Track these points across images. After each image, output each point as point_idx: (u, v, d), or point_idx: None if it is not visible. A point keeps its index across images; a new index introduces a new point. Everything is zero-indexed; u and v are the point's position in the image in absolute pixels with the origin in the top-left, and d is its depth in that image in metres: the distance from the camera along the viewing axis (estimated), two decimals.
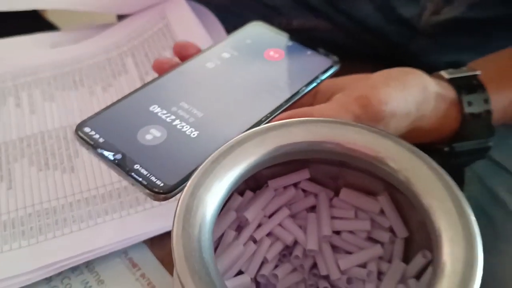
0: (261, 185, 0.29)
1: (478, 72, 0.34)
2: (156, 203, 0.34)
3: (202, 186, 0.22)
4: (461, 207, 0.21)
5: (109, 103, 0.33)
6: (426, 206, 0.21)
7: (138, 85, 0.41)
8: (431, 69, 0.35)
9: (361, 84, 0.31)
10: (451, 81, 0.34)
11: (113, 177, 0.36)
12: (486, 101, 0.33)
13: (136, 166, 0.27)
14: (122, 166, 0.27)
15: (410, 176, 0.22)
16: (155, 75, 0.39)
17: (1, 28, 0.50)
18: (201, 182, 0.22)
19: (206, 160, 0.23)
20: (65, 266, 0.31)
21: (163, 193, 0.26)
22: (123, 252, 0.33)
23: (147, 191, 0.26)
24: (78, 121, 0.38)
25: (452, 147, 0.35)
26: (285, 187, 0.28)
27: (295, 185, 0.29)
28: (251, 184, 0.28)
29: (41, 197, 0.35)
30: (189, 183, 0.22)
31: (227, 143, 0.24)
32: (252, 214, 0.27)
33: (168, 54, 0.43)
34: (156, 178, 0.26)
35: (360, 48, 0.60)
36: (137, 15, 0.46)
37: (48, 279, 0.32)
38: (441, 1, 0.55)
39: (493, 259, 0.38)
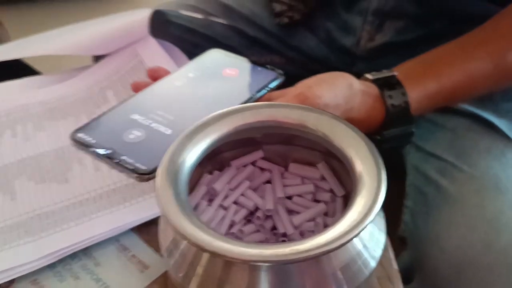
0: (225, 166, 0.36)
1: (395, 73, 0.43)
2: (139, 199, 0.40)
3: (181, 148, 0.29)
4: (367, 145, 0.28)
5: None
6: (344, 151, 0.29)
7: None
8: None
9: (299, 85, 0.39)
10: (374, 81, 0.42)
11: (102, 182, 0.42)
12: (404, 94, 0.41)
13: (123, 157, 0.34)
14: (112, 158, 0.34)
15: (330, 133, 0.30)
16: None
17: None
18: (180, 146, 0.29)
19: (182, 134, 0.30)
20: (65, 253, 0.37)
21: (146, 174, 0.33)
22: (116, 240, 0.39)
23: (134, 174, 0.33)
24: (68, 143, 0.45)
25: (382, 134, 0.43)
26: (244, 166, 0.36)
27: (253, 164, 0.36)
28: (217, 166, 0.36)
29: (40, 204, 0.41)
30: (171, 146, 0.29)
31: (196, 123, 0.31)
32: (220, 186, 0.34)
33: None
34: (140, 164, 0.33)
35: (310, 76, 0.70)
36: (113, 56, 0.54)
37: (52, 266, 0.37)
38: (374, 30, 0.66)
39: (424, 223, 0.46)
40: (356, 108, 0.41)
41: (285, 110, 0.32)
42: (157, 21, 0.62)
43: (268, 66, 0.44)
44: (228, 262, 0.26)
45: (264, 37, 0.73)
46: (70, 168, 0.44)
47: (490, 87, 0.48)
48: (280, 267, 0.25)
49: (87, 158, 0.45)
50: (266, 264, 0.25)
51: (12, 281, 0.36)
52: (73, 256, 0.38)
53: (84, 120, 0.48)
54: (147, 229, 0.39)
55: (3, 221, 0.39)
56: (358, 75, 0.72)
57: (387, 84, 0.43)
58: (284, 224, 0.34)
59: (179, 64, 0.51)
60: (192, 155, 0.29)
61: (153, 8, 0.58)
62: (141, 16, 0.53)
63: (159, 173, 0.27)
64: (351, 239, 0.24)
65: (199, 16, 0.68)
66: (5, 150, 0.46)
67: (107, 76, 0.53)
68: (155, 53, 0.52)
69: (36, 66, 0.74)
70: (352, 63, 0.69)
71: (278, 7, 0.73)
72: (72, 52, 0.54)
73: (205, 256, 0.26)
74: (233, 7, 0.73)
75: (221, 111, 0.32)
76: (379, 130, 0.43)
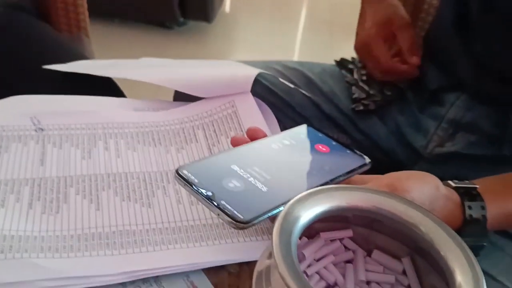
0: (313, 235, 0.37)
1: (477, 186, 0.45)
2: (215, 241, 0.42)
3: (291, 214, 0.31)
4: (468, 255, 0.30)
5: (181, 162, 0.44)
6: (445, 258, 0.30)
7: (206, 153, 0.52)
8: None
9: (388, 176, 0.41)
10: (456, 189, 0.44)
11: (183, 216, 0.44)
12: (483, 208, 0.43)
13: (222, 202, 0.36)
14: (213, 200, 0.36)
15: (434, 238, 0.32)
16: (221, 147, 0.51)
17: (81, 87, 0.61)
18: (289, 212, 0.31)
19: (290, 203, 0.32)
20: (140, 276, 0.38)
21: (243, 223, 0.35)
22: (186, 276, 0.40)
23: (231, 220, 0.35)
24: (156, 170, 0.48)
25: None
26: (332, 240, 0.37)
27: (340, 240, 0.37)
28: (306, 233, 0.37)
29: (123, 221, 0.43)
30: (283, 211, 0.31)
31: (304, 193, 0.33)
32: (308, 253, 0.35)
33: (233, 134, 0.53)
34: (238, 212, 0.35)
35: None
36: (209, 99, 0.58)
37: (123, 285, 0.38)
38: (446, 137, 0.68)
39: None
40: (437, 211, 0.42)
41: (391, 201, 0.34)
42: None
43: (357, 151, 0.46)
44: None
45: (337, 115, 0.76)
46: (154, 194, 0.46)
47: None
48: None
49: (171, 189, 0.47)
50: None
51: None
52: (145, 280, 0.39)
53: (173, 153, 0.51)
54: (216, 273, 0.41)
55: (87, 227, 0.41)
56: None
57: (468, 195, 0.44)
58: None
59: (271, 127, 0.54)
60: (302, 219, 0.31)
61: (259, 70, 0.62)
62: (249, 72, 0.57)
63: (275, 235, 0.29)
64: None
65: (285, 82, 0.71)
66: (97, 161, 0.49)
67: (200, 116, 0.56)
68: (251, 110, 0.55)
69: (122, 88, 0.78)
70: (415, 161, 0.71)
71: (357, 93, 0.76)
72: (174, 86, 0.58)
73: None
74: (315, 81, 0.77)
75: (330, 186, 0.34)
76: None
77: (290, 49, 2.50)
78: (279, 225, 0.30)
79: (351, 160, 0.45)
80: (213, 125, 0.55)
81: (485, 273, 0.51)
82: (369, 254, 0.37)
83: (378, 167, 0.73)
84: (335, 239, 0.37)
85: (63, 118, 0.53)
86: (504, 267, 0.50)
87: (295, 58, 2.36)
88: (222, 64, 0.76)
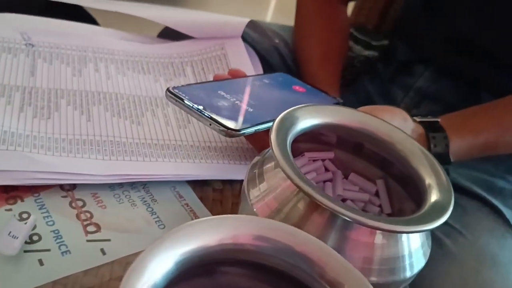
0: (297, 154, 0.40)
1: (438, 119, 0.49)
2: (201, 160, 0.44)
3: (287, 118, 0.34)
4: (436, 167, 0.34)
5: None
6: (417, 169, 0.34)
7: None
8: None
9: (363, 108, 0.45)
10: (421, 123, 0.48)
11: (171, 136, 0.46)
12: (445, 137, 0.48)
13: (213, 114, 0.38)
14: (204, 112, 0.38)
15: (408, 154, 0.35)
16: None
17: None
18: (284, 119, 0.34)
19: (286, 112, 0.35)
20: (129, 179, 0.40)
21: (234, 130, 0.37)
22: (173, 186, 0.42)
23: (223, 128, 0.37)
24: (145, 94, 0.50)
25: None
26: (314, 160, 0.40)
27: (322, 160, 0.40)
28: (292, 152, 0.40)
29: (113, 133, 0.44)
30: (281, 115, 0.34)
31: (300, 105, 0.36)
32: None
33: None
34: (229, 122, 0.38)
35: None
36: (199, 40, 0.59)
37: (112, 188, 0.40)
38: (411, 105, 0.73)
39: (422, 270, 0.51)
40: None
41: (376, 122, 0.37)
42: None
43: (330, 94, 0.50)
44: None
45: None
46: (143, 115, 0.48)
47: None
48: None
49: (160, 112, 0.48)
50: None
51: (74, 187, 0.39)
52: (133, 186, 0.41)
53: (162, 82, 0.53)
54: (201, 188, 0.43)
55: (78, 134, 0.43)
56: None
57: (432, 127, 0.49)
58: None
59: (256, 70, 0.57)
60: (297, 126, 0.34)
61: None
62: (240, 20, 0.59)
63: (273, 133, 0.32)
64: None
65: (276, 41, 0.74)
66: (87, 79, 0.50)
67: (190, 54, 0.58)
68: (239, 53, 0.57)
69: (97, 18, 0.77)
70: None
71: None
72: (169, 24, 0.59)
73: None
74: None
75: (320, 106, 0.38)
76: None
77: (263, 15, 2.52)
78: (277, 124, 0.32)
79: (325, 99, 0.50)
80: (201, 63, 0.57)
81: (448, 224, 0.56)
82: (347, 177, 0.41)
83: None
84: (318, 159, 0.40)
85: (53, 37, 0.53)
86: (456, 216, 0.55)
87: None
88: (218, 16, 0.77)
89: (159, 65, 0.56)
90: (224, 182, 0.44)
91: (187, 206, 0.41)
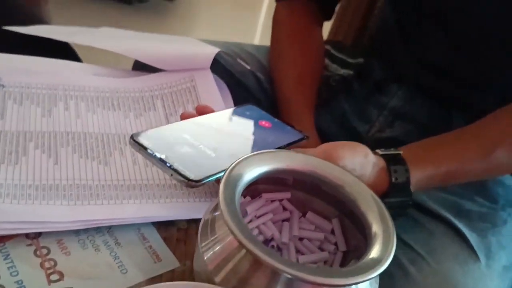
0: (256, 196, 0.42)
1: (401, 152, 0.51)
2: (166, 199, 0.45)
3: (236, 171, 0.35)
4: (383, 212, 0.35)
5: (139, 129, 0.48)
6: (365, 214, 0.35)
7: (164, 122, 0.55)
8: None
9: (324, 145, 0.46)
10: (383, 156, 0.50)
11: (138, 175, 0.47)
12: (407, 171, 0.49)
13: (175, 163, 0.40)
14: (166, 162, 0.40)
15: (358, 197, 0.37)
16: (178, 118, 0.54)
17: (39, 51, 0.62)
18: (234, 170, 0.35)
19: (235, 162, 0.36)
20: (94, 225, 0.41)
21: (194, 181, 0.38)
22: (137, 228, 0.43)
23: (183, 179, 0.38)
24: (114, 132, 0.51)
25: (384, 201, 0.50)
26: (272, 201, 0.41)
27: (279, 201, 0.42)
28: (250, 193, 0.41)
29: (80, 175, 0.45)
30: (229, 167, 0.35)
31: (249, 154, 0.37)
32: (250, 210, 0.39)
33: (190, 107, 0.57)
34: (189, 173, 0.39)
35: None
36: (169, 72, 0.60)
37: (77, 233, 0.41)
38: (386, 124, 0.74)
39: None
40: (366, 176, 0.48)
41: (326, 167, 0.38)
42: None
43: (295, 128, 0.51)
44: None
45: None
46: (111, 154, 0.49)
47: (479, 175, 0.56)
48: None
49: (128, 151, 0.50)
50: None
51: (39, 235, 0.40)
52: (98, 230, 0.42)
53: (131, 118, 0.54)
54: (166, 228, 0.44)
55: (45, 179, 0.44)
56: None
57: (393, 160, 0.50)
58: (291, 259, 0.39)
59: (226, 104, 0.58)
60: (246, 176, 0.35)
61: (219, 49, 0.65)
62: (209, 50, 0.60)
63: (222, 185, 0.33)
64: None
65: (247, 67, 0.75)
66: (57, 119, 0.51)
67: (160, 87, 0.59)
68: (209, 86, 0.58)
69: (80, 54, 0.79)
70: None
71: None
72: (136, 57, 0.61)
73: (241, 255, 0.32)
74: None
75: (272, 150, 0.39)
76: (381, 198, 0.50)
77: (251, 32, 2.53)
78: (225, 179, 0.34)
79: (291, 134, 0.51)
80: (171, 96, 0.58)
81: (406, 244, 0.58)
82: (304, 215, 0.42)
83: None
84: (275, 200, 0.42)
85: (24, 76, 0.55)
86: (422, 240, 0.57)
87: (256, 42, 2.39)
88: (183, 40, 0.78)
89: (130, 99, 0.57)
90: (189, 220, 0.45)
91: (150, 248, 0.42)
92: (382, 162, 0.49)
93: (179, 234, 0.44)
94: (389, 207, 0.50)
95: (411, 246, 0.56)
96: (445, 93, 0.69)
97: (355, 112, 0.78)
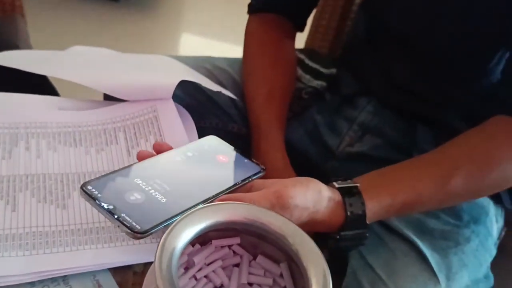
0: (206, 242, 0.42)
1: (357, 184, 0.51)
2: (123, 242, 0.46)
3: (172, 236, 0.36)
4: (323, 267, 0.36)
5: (99, 165, 0.48)
6: (306, 267, 0.36)
7: (125, 156, 0.55)
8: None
9: (276, 183, 0.47)
10: (339, 189, 0.50)
11: (94, 217, 0.48)
12: (362, 204, 0.50)
13: (123, 215, 0.40)
14: (113, 213, 0.40)
15: (300, 248, 0.37)
16: (139, 149, 0.54)
17: (13, 83, 0.63)
18: (172, 233, 0.36)
19: (175, 223, 0.37)
20: (49, 275, 0.42)
21: (140, 233, 0.39)
22: (93, 275, 0.44)
23: (129, 231, 0.39)
24: (74, 171, 0.51)
25: (340, 234, 0.50)
26: (222, 247, 0.42)
27: (229, 246, 0.42)
28: (200, 240, 0.42)
29: (37, 222, 0.46)
30: (164, 235, 0.36)
31: (186, 214, 0.38)
32: (198, 259, 0.40)
33: (152, 138, 0.57)
34: (136, 224, 0.40)
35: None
36: (132, 103, 0.61)
37: (32, 284, 0.42)
38: (355, 138, 0.75)
39: None
40: (321, 212, 0.48)
41: (269, 216, 0.39)
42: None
43: (253, 160, 0.51)
44: None
45: None
46: (70, 196, 0.50)
47: (436, 205, 0.57)
48: None
49: None
50: None
51: None
52: (53, 280, 0.43)
53: (93, 154, 0.55)
54: (122, 272, 0.45)
55: (1, 229, 0.45)
56: (327, 174, 0.80)
57: (349, 193, 0.51)
58: None
59: (189, 133, 0.58)
60: (185, 236, 0.36)
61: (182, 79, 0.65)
62: (172, 80, 0.60)
63: (158, 252, 0.34)
64: None
65: (214, 89, 0.75)
66: (17, 162, 0.51)
67: (123, 119, 0.59)
68: (171, 116, 0.59)
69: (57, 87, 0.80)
70: (327, 160, 0.78)
71: None
72: (99, 88, 0.61)
73: None
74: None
75: (213, 204, 0.40)
76: (338, 230, 0.51)
77: (240, 29, 2.51)
78: (161, 244, 0.34)
79: (247, 169, 0.51)
80: (134, 128, 0.59)
81: (369, 265, 0.59)
82: (255, 257, 0.43)
83: (292, 165, 0.78)
84: (225, 246, 0.42)
85: None
86: (383, 261, 0.58)
87: None
88: (155, 59, 0.78)
89: (92, 133, 0.57)
90: (147, 263, 0.46)
91: None
92: (337, 196, 0.50)
93: (135, 278, 0.45)
94: (346, 239, 0.51)
95: (372, 267, 0.57)
96: (410, 109, 0.70)
97: (327, 124, 0.79)
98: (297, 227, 0.39)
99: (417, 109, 0.69)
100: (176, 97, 0.73)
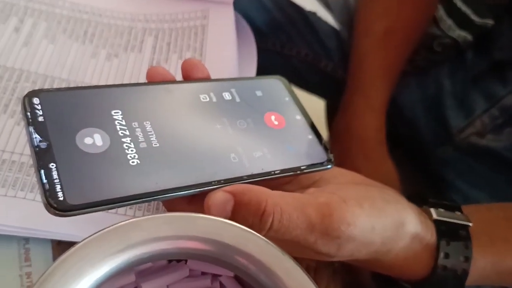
0: None
1: (469, 224, 0.30)
2: None
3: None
4: None
5: (103, 75, 0.30)
6: None
7: (145, 69, 0.38)
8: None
9: (335, 189, 0.26)
10: (436, 223, 0.29)
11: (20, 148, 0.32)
12: (467, 259, 0.28)
13: (51, 165, 0.23)
14: (39, 157, 0.23)
15: None
16: (166, 67, 0.35)
17: None
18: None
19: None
20: None
21: (58, 210, 0.22)
22: (24, 239, 0.29)
23: (44, 199, 0.22)
24: (63, 77, 0.35)
25: None
26: (203, 273, 0.25)
27: (215, 276, 0.25)
28: None
29: None
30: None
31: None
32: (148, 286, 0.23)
33: (189, 55, 0.39)
34: (60, 189, 0.22)
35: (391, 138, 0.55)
36: (182, 0, 0.42)
37: None
38: (491, 126, 0.51)
39: None
40: (394, 254, 0.28)
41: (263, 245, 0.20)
42: None
43: (324, 141, 0.30)
44: None
45: None
46: None
47: None
48: None
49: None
50: None
51: None
52: None
53: (101, 58, 0.38)
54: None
55: None
56: (432, 161, 0.57)
57: (452, 235, 0.29)
58: None
59: (245, 61, 0.39)
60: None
61: None
62: None
63: None
64: None
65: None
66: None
67: (160, 19, 0.42)
68: (224, 29, 0.39)
69: None
70: (440, 143, 0.55)
71: None
72: None
73: None
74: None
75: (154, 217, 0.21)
76: (413, 284, 0.31)
77: None
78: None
79: (307, 151, 0.29)
80: (170, 35, 0.41)
81: None
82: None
83: (394, 140, 0.56)
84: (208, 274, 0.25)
85: None
86: None
87: None
88: None
89: (112, 29, 0.41)
90: None
91: (28, 277, 0.28)
92: (430, 236, 0.29)
93: None
94: None
95: None
96: None
97: (455, 96, 0.55)
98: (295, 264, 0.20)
99: None
100: (260, 7, 0.53)
